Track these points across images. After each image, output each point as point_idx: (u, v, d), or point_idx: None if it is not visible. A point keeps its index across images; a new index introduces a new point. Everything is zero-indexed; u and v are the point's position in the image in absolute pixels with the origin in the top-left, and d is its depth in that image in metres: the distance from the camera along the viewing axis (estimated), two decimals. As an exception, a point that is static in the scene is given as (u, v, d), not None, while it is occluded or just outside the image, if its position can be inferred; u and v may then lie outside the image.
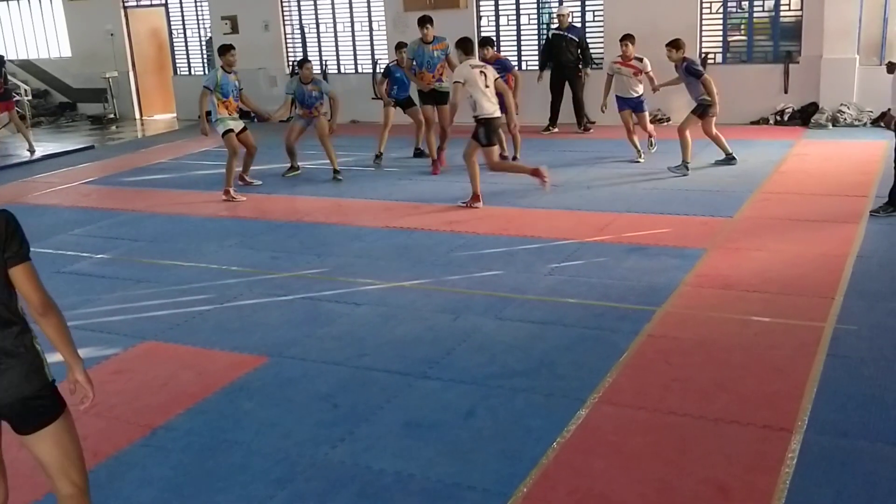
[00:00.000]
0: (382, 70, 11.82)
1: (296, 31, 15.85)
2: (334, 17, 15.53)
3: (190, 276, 6.86)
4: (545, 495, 3.58)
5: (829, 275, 6.04)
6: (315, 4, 15.61)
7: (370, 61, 15.17)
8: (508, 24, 14.24)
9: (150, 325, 5.83)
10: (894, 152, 7.44)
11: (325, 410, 4.45)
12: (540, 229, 7.64)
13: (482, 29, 14.18)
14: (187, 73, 17.20)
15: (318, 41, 15.76)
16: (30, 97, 17.71)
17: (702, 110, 9.56)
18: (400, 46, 11.09)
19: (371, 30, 15.20)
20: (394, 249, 7.30)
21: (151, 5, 17.34)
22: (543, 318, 5.56)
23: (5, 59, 14.79)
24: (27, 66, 19.09)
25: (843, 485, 3.53)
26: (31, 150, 13.56)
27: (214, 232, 8.28)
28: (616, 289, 6.01)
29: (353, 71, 15.57)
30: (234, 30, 15.72)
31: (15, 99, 14.94)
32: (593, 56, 13.08)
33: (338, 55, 15.69)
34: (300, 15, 15.83)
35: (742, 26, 13.05)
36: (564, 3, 13.39)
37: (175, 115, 17.48)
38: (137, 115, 17.86)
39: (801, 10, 12.38)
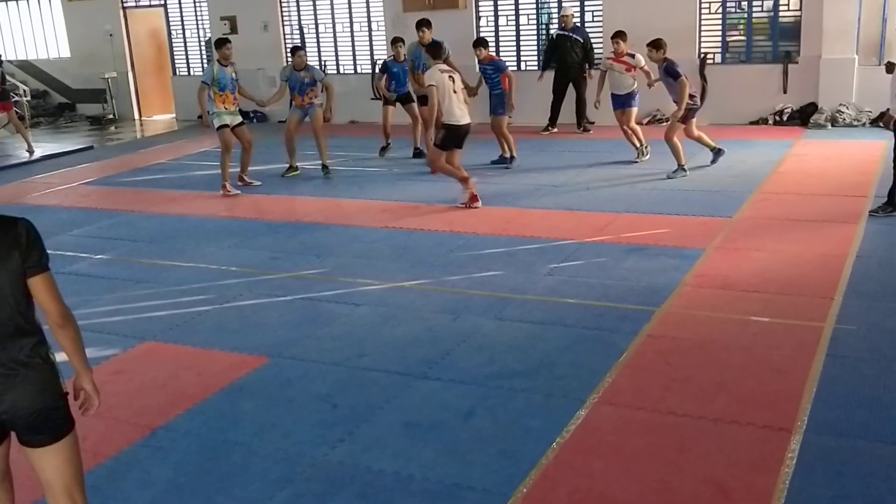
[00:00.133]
0: (379, 66, 11.91)
1: (295, 32, 15.85)
2: (333, 18, 15.53)
3: (189, 276, 6.86)
4: (545, 495, 3.58)
5: (829, 275, 6.04)
6: (314, 5, 15.62)
7: (369, 62, 15.18)
8: (507, 25, 14.24)
9: (149, 326, 5.83)
10: (893, 152, 7.45)
11: (325, 411, 4.45)
12: (539, 229, 7.64)
13: (481, 29, 14.19)
14: (186, 73, 17.19)
15: (318, 42, 15.76)
16: (29, 98, 17.70)
17: (685, 114, 9.40)
18: (396, 41, 11.12)
19: (370, 30, 15.20)
20: (393, 250, 7.30)
21: (150, 6, 17.33)
22: (543, 318, 5.56)
23: (3, 59, 14.79)
24: (26, 66, 19.08)
25: (843, 485, 3.53)
26: (31, 151, 13.56)
27: (214, 232, 8.28)
28: (615, 289, 6.01)
29: (353, 71, 15.57)
30: (234, 30, 15.71)
31: (14, 100, 14.94)
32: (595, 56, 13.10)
33: (337, 56, 15.70)
34: (299, 15, 15.83)
35: (741, 26, 13.06)
36: (567, 4, 13.39)
37: (174, 115, 17.48)
38: (136, 116, 17.86)
39: (800, 10, 12.39)
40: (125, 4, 17.41)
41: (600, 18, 13.38)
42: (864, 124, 11.84)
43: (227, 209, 9.25)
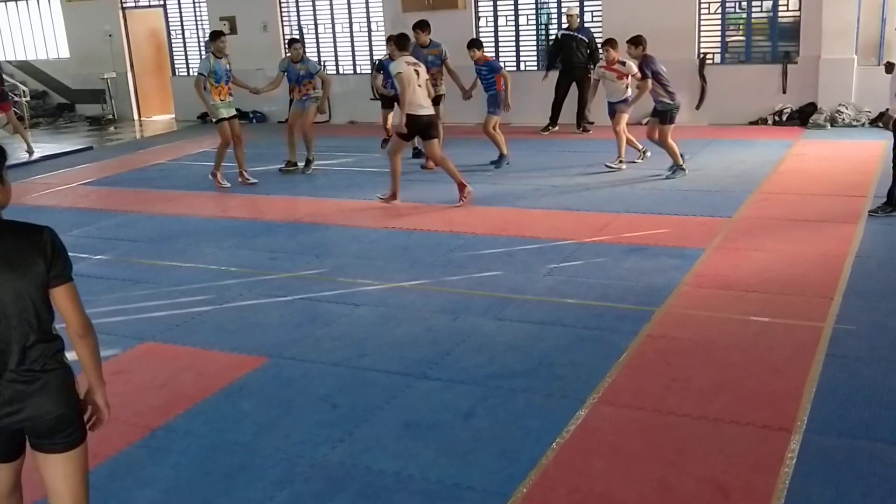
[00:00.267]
0: (375, 64, 12.01)
1: (294, 32, 15.83)
2: (333, 18, 15.54)
3: (189, 276, 6.86)
4: (545, 496, 3.58)
5: (828, 275, 6.04)
6: (313, 5, 15.62)
7: (369, 62, 15.18)
8: (507, 25, 14.24)
9: (149, 326, 5.83)
10: (892, 152, 7.45)
11: (325, 411, 4.45)
12: (539, 229, 7.64)
13: (480, 30, 14.20)
14: (186, 74, 17.18)
15: (317, 42, 15.76)
16: (28, 98, 17.69)
17: (662, 114, 9.34)
18: (391, 39, 11.17)
19: (369, 30, 15.21)
20: (393, 250, 7.30)
21: (150, 6, 17.33)
22: (543, 318, 5.56)
23: (1, 60, 14.78)
24: (25, 66, 19.07)
25: (843, 485, 3.53)
26: (30, 151, 13.55)
27: (213, 233, 8.28)
28: (615, 289, 6.01)
29: (352, 72, 15.58)
30: (233, 30, 15.70)
31: (13, 100, 14.93)
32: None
33: (336, 56, 15.70)
34: (299, 16, 15.83)
35: (740, 26, 13.06)
36: (570, 4, 13.39)
37: (174, 115, 17.48)
38: (136, 116, 17.86)
39: (800, 10, 12.39)
40: (124, 5, 17.40)
41: (599, 19, 13.38)
42: (863, 124, 11.85)
43: (226, 209, 9.25)
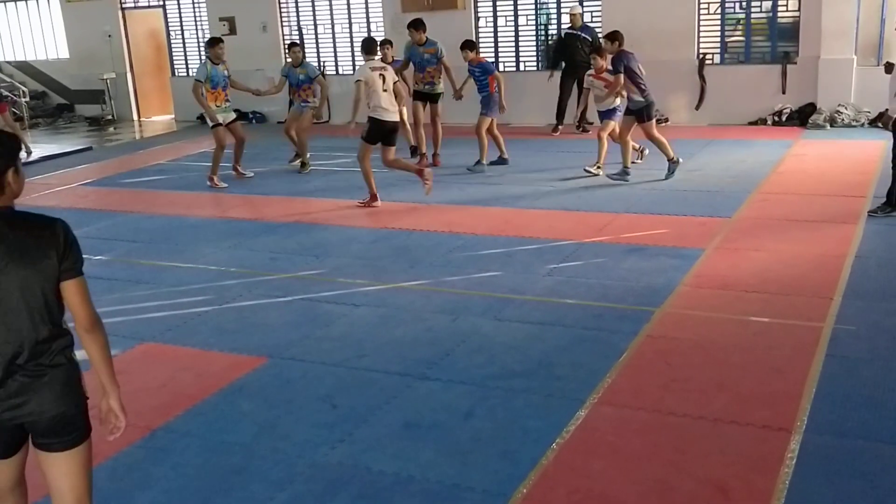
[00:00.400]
0: None
1: (294, 33, 15.84)
2: (332, 18, 15.53)
3: (188, 277, 6.85)
4: (545, 496, 3.58)
5: (828, 275, 6.04)
6: (313, 5, 15.61)
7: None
8: (506, 26, 14.24)
9: (148, 327, 5.83)
10: (892, 152, 7.45)
11: (324, 411, 4.45)
12: (538, 230, 7.64)
13: (480, 30, 14.20)
14: (185, 74, 17.16)
15: (316, 42, 15.75)
16: (28, 98, 17.68)
17: (637, 113, 9.21)
18: (384, 43, 11.17)
19: (369, 31, 15.17)
20: (392, 250, 7.30)
21: (149, 6, 17.32)
22: (542, 318, 5.56)
23: (0, 60, 14.78)
24: (25, 67, 19.06)
25: (843, 485, 3.53)
26: (28, 152, 13.53)
27: (213, 233, 8.28)
28: (615, 289, 6.01)
29: (352, 72, 15.54)
30: (232, 31, 15.71)
31: (11, 101, 14.92)
32: None
33: (336, 56, 15.69)
34: (298, 16, 15.82)
35: (740, 27, 13.06)
36: (572, 3, 13.39)
37: (173, 116, 17.46)
38: (135, 117, 17.84)
39: (799, 10, 12.39)
40: (124, 5, 17.39)
41: (599, 19, 13.37)
42: (862, 124, 11.85)
43: (226, 210, 9.25)
